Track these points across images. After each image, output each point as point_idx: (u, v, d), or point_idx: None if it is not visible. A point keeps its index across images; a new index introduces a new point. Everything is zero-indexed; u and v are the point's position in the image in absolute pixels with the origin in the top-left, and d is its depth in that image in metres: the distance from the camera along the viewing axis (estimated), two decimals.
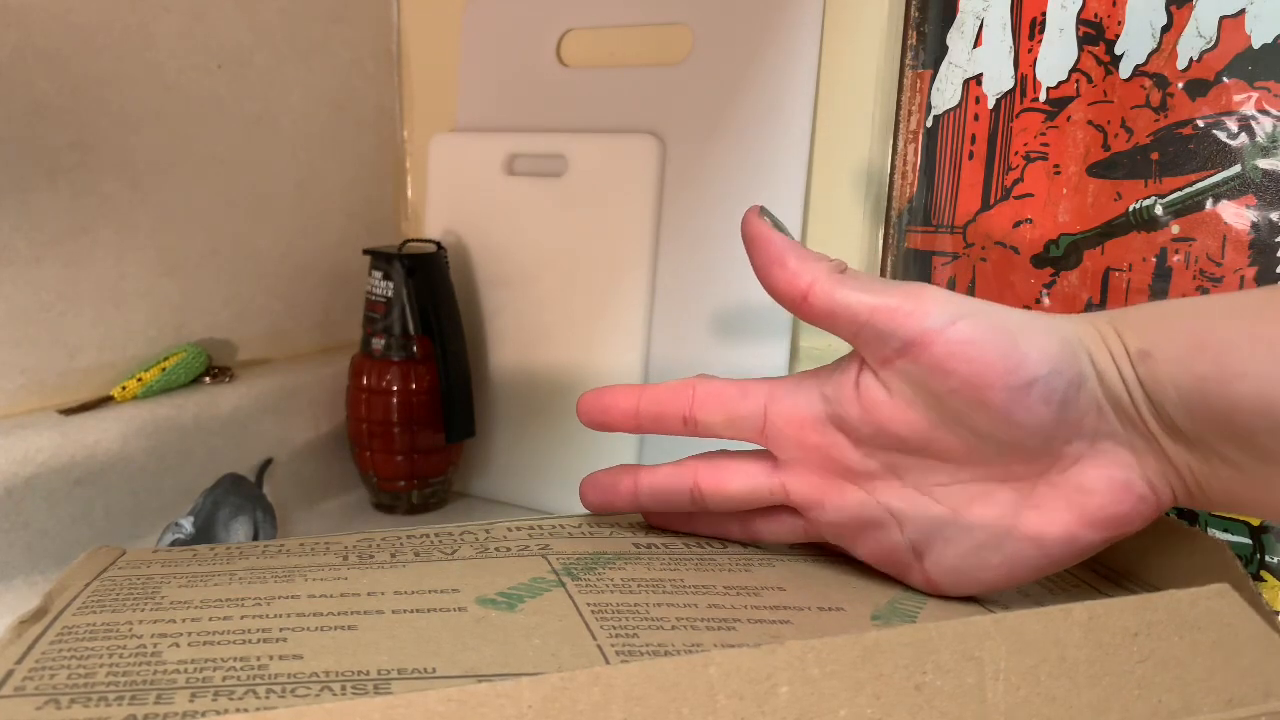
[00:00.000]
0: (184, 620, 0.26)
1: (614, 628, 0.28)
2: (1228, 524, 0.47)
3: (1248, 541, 0.47)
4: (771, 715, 0.22)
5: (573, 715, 0.21)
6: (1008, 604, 0.32)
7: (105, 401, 0.58)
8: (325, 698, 0.22)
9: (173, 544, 0.53)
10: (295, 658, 0.24)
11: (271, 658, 0.24)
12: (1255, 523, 0.46)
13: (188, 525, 0.53)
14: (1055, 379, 0.28)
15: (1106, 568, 0.35)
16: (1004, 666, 0.23)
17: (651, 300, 0.64)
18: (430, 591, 0.30)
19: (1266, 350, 0.25)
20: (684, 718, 0.22)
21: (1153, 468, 0.28)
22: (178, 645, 0.24)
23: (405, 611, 0.28)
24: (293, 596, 0.29)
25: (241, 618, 0.26)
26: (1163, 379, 0.27)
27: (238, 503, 0.56)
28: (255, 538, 0.55)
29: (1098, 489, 0.29)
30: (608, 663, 0.26)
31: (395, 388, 0.64)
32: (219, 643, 0.25)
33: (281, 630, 0.25)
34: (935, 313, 0.28)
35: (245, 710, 0.22)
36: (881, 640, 0.23)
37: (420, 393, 0.64)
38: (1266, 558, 0.47)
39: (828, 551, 0.36)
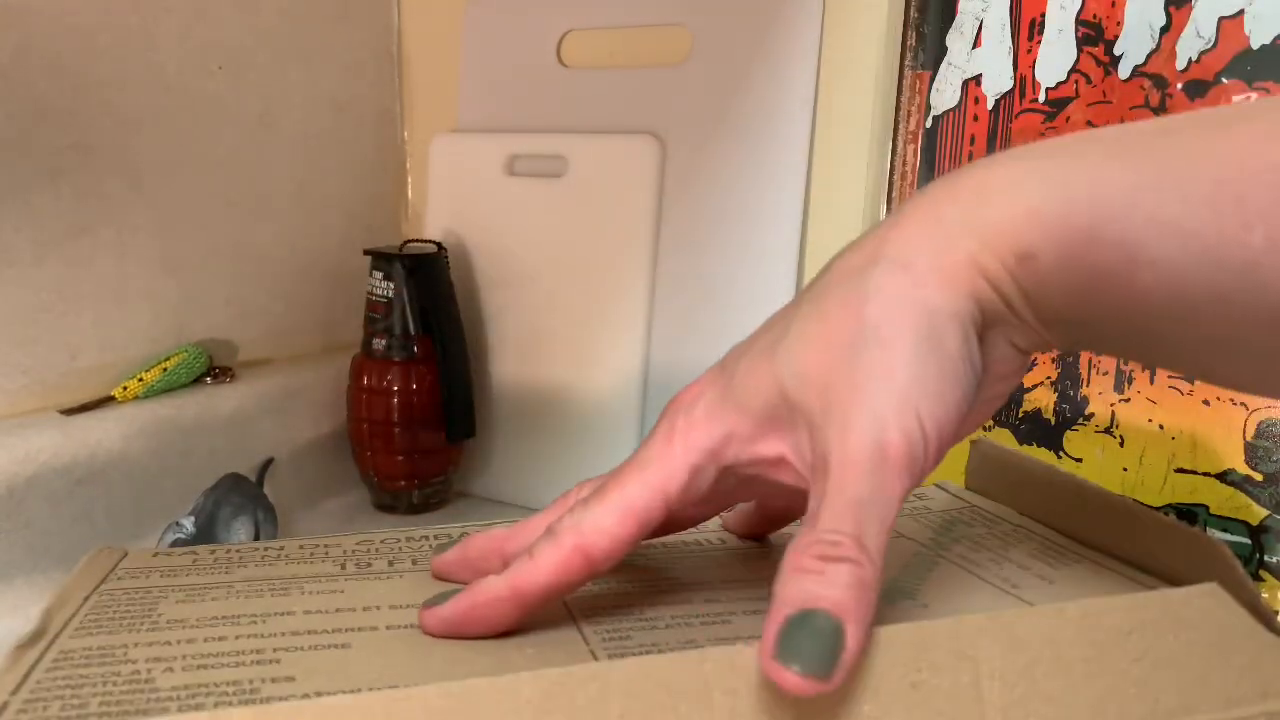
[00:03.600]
0: (179, 642, 0.27)
1: (608, 631, 0.28)
2: (1227, 524, 0.47)
3: (1247, 541, 0.47)
4: (768, 712, 0.22)
5: (570, 711, 0.21)
6: (1020, 582, 0.32)
7: (106, 401, 0.58)
8: None
9: (174, 544, 0.53)
10: (288, 680, 0.24)
11: (264, 681, 0.24)
12: (1255, 523, 0.46)
13: (189, 525, 0.54)
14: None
15: (1111, 557, 0.35)
16: (999, 665, 0.24)
17: (651, 300, 0.64)
18: None
19: (1172, 235, 0.23)
20: (680, 714, 0.22)
21: (1026, 341, 0.27)
22: (171, 670, 0.25)
23: (400, 627, 0.28)
24: (288, 613, 0.29)
25: (236, 638, 0.27)
26: (1048, 280, 0.24)
27: (239, 502, 0.56)
28: (256, 537, 0.55)
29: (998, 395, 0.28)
30: None
31: (396, 388, 0.64)
32: (212, 666, 0.25)
33: (275, 651, 0.26)
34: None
35: None
36: (877, 638, 0.23)
37: (421, 393, 0.65)
38: (1266, 558, 0.47)
39: None
